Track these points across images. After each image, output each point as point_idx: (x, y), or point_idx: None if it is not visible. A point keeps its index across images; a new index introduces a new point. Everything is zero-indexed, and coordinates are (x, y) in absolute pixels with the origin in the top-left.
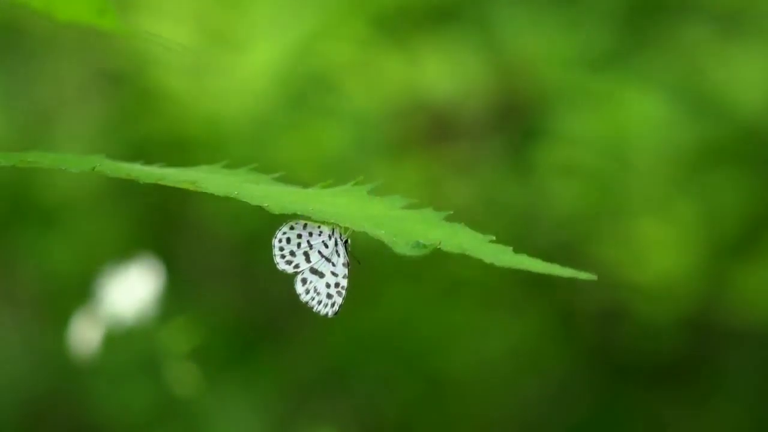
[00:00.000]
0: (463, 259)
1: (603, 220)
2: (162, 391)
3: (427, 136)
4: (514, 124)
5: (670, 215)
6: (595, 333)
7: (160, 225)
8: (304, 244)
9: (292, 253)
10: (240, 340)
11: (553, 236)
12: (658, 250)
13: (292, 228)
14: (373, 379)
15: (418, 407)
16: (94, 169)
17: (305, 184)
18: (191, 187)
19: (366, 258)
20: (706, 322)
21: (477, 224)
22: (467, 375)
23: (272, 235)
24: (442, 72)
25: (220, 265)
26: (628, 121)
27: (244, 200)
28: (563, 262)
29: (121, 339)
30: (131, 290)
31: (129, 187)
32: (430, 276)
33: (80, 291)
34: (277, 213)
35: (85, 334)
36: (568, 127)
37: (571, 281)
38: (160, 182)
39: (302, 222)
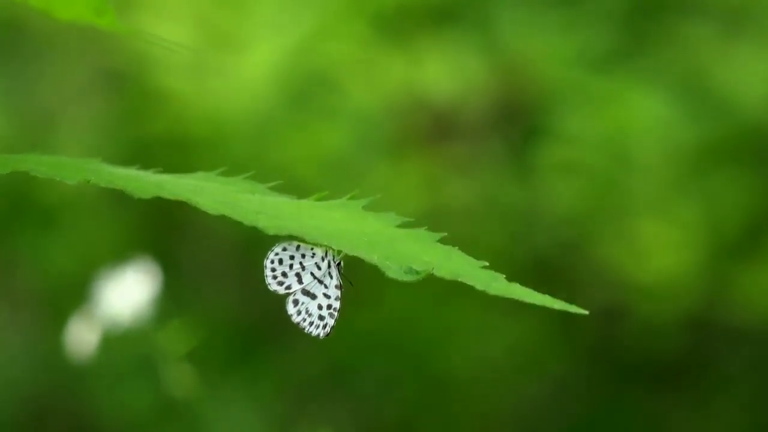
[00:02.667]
0: None
1: (604, 219)
2: (160, 392)
3: (428, 135)
4: (515, 124)
5: (671, 215)
6: (595, 332)
7: (159, 225)
8: (296, 266)
9: (284, 274)
10: (240, 340)
11: (553, 236)
12: (660, 250)
13: (284, 249)
14: (373, 379)
15: (419, 407)
16: (88, 182)
17: (304, 188)
18: (186, 201)
19: (365, 261)
20: (707, 322)
21: (478, 224)
22: (467, 375)
23: (268, 249)
24: (443, 72)
25: (220, 265)
26: (630, 121)
27: (238, 219)
28: (564, 262)
29: (119, 340)
30: (129, 291)
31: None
32: (430, 276)
33: (79, 291)
34: (271, 234)
35: (82, 335)
36: (569, 126)
37: (572, 280)
38: (155, 195)
39: (295, 243)
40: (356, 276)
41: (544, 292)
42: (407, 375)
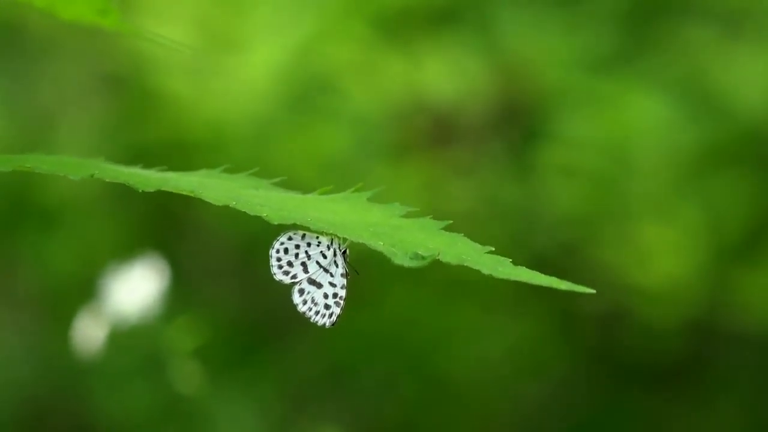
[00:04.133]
0: None
1: (605, 222)
2: (164, 390)
3: (429, 137)
4: (515, 125)
5: (672, 217)
6: (596, 334)
7: (162, 225)
8: (302, 255)
9: (290, 264)
10: (241, 340)
11: (555, 238)
12: (661, 253)
13: (290, 238)
14: (373, 379)
15: (419, 407)
16: (93, 175)
17: (305, 189)
18: (190, 194)
19: (366, 260)
20: (708, 325)
21: (478, 226)
22: (467, 375)
23: (272, 241)
24: (443, 74)
25: (222, 265)
26: (630, 123)
27: (243, 210)
28: (565, 264)
29: (124, 338)
30: (134, 289)
31: (130, 188)
32: (430, 277)
33: (82, 291)
34: (275, 223)
35: (88, 333)
36: (569, 128)
37: (573, 281)
38: (159, 188)
39: (300, 232)
40: (360, 274)
41: (544, 293)
42: (407, 375)
